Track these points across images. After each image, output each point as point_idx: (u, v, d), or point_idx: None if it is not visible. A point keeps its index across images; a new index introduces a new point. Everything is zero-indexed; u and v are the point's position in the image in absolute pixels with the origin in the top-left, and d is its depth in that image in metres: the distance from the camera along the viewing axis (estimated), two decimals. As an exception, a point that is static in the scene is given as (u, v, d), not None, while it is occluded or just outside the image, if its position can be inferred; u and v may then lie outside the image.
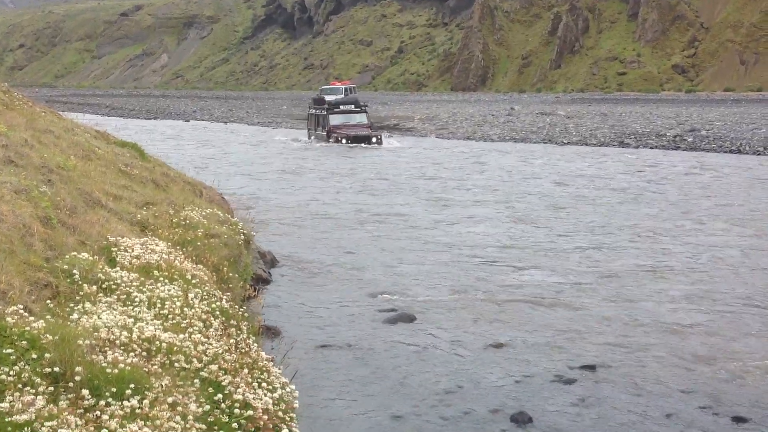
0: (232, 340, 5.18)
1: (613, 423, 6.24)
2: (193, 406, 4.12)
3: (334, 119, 37.35)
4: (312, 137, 39.24)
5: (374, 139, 35.90)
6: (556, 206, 17.46)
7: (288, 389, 4.70)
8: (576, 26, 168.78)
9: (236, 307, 6.07)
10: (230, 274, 7.20)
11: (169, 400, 4.12)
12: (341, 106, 38.09)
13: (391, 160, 28.53)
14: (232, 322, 5.59)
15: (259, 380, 4.65)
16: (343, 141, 35.47)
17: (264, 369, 4.87)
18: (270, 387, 4.59)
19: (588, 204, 17.75)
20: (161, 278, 5.79)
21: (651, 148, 34.14)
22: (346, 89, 62.54)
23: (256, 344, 5.37)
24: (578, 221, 15.54)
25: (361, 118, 37.68)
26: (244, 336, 5.37)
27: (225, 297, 6.11)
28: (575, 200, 18.36)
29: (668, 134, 39.86)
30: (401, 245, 13.00)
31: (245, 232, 9.59)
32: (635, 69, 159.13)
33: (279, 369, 4.99)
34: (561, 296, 9.83)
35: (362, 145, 34.91)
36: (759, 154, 31.19)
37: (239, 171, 24.37)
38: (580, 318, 8.92)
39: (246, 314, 6.16)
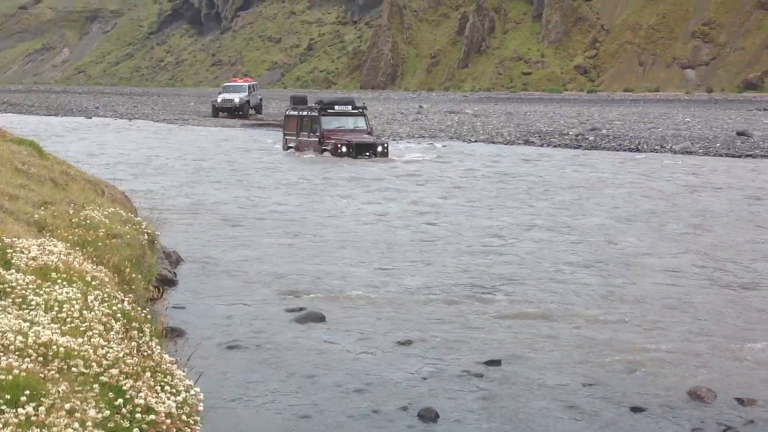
0: (134, 343, 5.05)
1: (518, 416, 6.36)
2: (92, 412, 3.99)
3: (328, 123, 28.71)
4: (291, 146, 30.08)
5: (380, 148, 27.80)
6: (466, 203, 17.70)
7: (192, 392, 4.61)
8: (483, 26, 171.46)
9: (139, 308, 5.93)
10: (133, 275, 7.01)
11: (67, 406, 3.99)
12: (336, 107, 29.57)
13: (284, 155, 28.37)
14: (134, 324, 5.45)
15: (162, 383, 4.55)
16: (344, 150, 27.20)
17: (167, 372, 4.76)
18: (174, 390, 4.49)
19: (493, 199, 18.07)
20: (59, 280, 5.61)
21: (554, 146, 34.98)
22: (249, 86, 61.69)
23: (159, 347, 5.25)
24: (488, 217, 15.79)
25: (359, 122, 29.41)
26: (147, 338, 5.25)
27: (127, 299, 5.95)
28: (483, 197, 18.65)
29: (571, 133, 40.91)
30: (311, 244, 12.95)
31: (149, 231, 9.37)
32: (539, 69, 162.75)
33: (183, 371, 4.89)
34: (470, 292, 9.96)
35: (366, 156, 27.10)
36: (656, 152, 32.35)
37: (144, 168, 23.83)
38: (487, 313, 9.07)
39: (149, 316, 6.03)
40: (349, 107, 29.75)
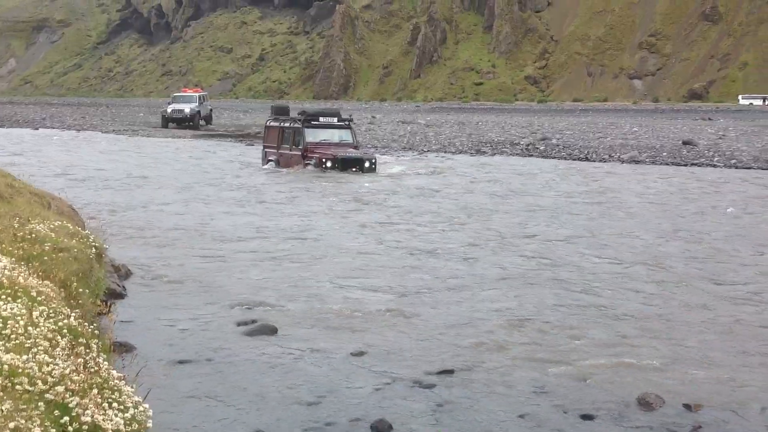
0: (80, 360, 4.96)
1: (469, 425, 6.39)
2: (37, 431, 3.91)
3: (312, 135, 26.67)
4: (271, 159, 27.77)
5: (367, 164, 26.02)
6: (417, 213, 17.76)
7: (141, 408, 4.54)
8: (434, 37, 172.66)
9: (86, 324, 5.82)
10: (80, 290, 6.89)
11: (11, 425, 3.90)
12: (321, 118, 27.39)
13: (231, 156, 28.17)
14: (80, 340, 5.35)
15: (109, 400, 4.48)
16: (328, 164, 25.48)
17: (115, 388, 4.69)
18: (121, 407, 4.42)
19: (446, 209, 18.16)
20: (3, 296, 5.48)
21: (507, 155, 35.33)
22: (199, 97, 61.16)
23: (107, 362, 5.16)
24: (445, 230, 15.86)
25: (345, 135, 27.53)
26: (94, 354, 5.16)
27: (74, 314, 5.84)
28: (439, 207, 18.73)
29: (522, 143, 41.36)
30: (263, 256, 12.86)
31: (97, 245, 9.23)
32: (491, 80, 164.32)
33: (131, 387, 4.82)
34: (423, 303, 9.98)
35: (352, 171, 25.35)
36: (604, 161, 32.87)
37: (93, 181, 23.46)
38: (440, 323, 9.09)
39: (96, 331, 5.92)
40: (335, 119, 27.64)
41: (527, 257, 13.00)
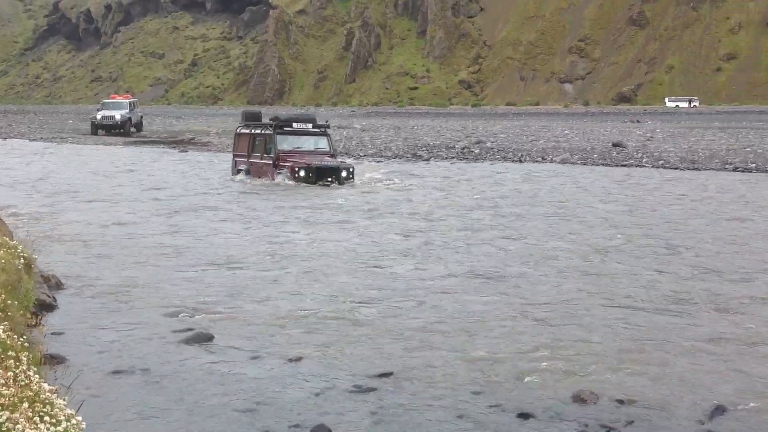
0: (10, 373, 4.85)
1: (409, 427, 6.41)
2: (-36, 448, 3.80)
3: (284, 143, 24.82)
4: (241, 169, 25.94)
5: (344, 173, 24.11)
6: (372, 218, 17.76)
7: (74, 421, 4.45)
8: (369, 42, 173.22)
9: (15, 336, 5.68)
10: (8, 302, 6.71)
11: (-64, 443, 3.78)
12: (294, 124, 25.44)
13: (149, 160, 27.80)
14: (9, 353, 5.23)
15: (41, 414, 4.38)
16: (302, 174, 23.67)
17: (47, 401, 4.59)
18: (54, 420, 4.34)
19: (389, 212, 18.22)
20: (-74, 310, 5.30)
21: (442, 159, 35.62)
22: (130, 103, 60.18)
23: (38, 375, 5.05)
24: (391, 235, 15.90)
25: (321, 143, 25.59)
26: (24, 367, 5.04)
27: (2, 327, 5.69)
28: (380, 209, 18.78)
29: (457, 146, 41.76)
30: (198, 262, 12.70)
31: (26, 255, 9.00)
32: (425, 84, 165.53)
33: (64, 400, 4.72)
34: (361, 307, 9.99)
35: (328, 182, 23.51)
36: (537, 163, 33.41)
37: (21, 189, 22.86)
38: (379, 327, 9.11)
39: (26, 344, 5.77)
40: (310, 125, 25.72)
41: (472, 263, 13.11)
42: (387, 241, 14.94)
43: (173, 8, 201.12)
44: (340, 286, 11.14)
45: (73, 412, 4.56)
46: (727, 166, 31.35)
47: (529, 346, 8.43)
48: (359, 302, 10.23)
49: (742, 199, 21.55)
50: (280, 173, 24.18)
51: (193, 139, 54.45)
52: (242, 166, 25.98)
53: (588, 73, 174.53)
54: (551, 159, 34.69)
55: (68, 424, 4.38)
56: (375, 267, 12.52)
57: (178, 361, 7.92)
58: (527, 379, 7.47)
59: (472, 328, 9.05)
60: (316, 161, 24.22)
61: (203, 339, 8.56)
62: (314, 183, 23.50)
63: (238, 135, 27.03)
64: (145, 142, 50.06)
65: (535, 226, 16.71)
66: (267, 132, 25.15)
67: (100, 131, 56.17)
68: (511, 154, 37.09)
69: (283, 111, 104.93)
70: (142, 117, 64.22)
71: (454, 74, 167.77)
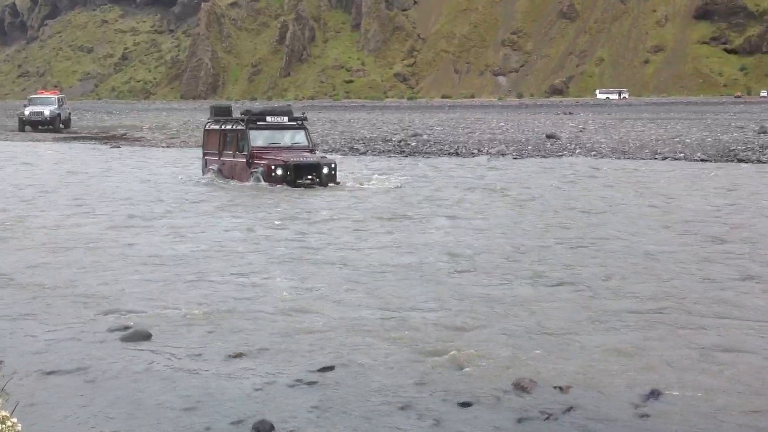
0: (-61, 377, 4.69)
1: (353, 420, 6.42)
2: None
3: (258, 138, 22.95)
4: (212, 168, 24.21)
5: (326, 170, 22.02)
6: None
7: (9, 423, 4.33)
8: (303, 35, 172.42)
9: (-56, 339, 5.50)
10: (-64, 304, 6.50)
11: None
12: (268, 118, 23.40)
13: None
14: (-61, 356, 5.06)
15: (-27, 417, 4.26)
16: (278, 173, 21.67)
17: (-21, 404, 4.47)
18: (-13, 423, 4.22)
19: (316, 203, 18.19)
20: None
21: (379, 152, 35.67)
22: (58, 99, 58.78)
23: (-31, 378, 4.91)
24: (336, 229, 15.85)
25: (298, 137, 23.69)
26: (-45, 370, 4.88)
27: (-70, 329, 5.50)
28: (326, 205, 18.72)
29: (394, 139, 41.91)
30: (135, 259, 12.48)
31: (-47, 255, 8.72)
32: (361, 77, 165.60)
33: (-3, 403, 4.59)
34: (300, 301, 9.96)
35: (308, 180, 21.67)
36: (474, 155, 33.72)
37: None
38: (319, 321, 9.09)
39: (-44, 346, 5.60)
40: (285, 119, 23.72)
41: (414, 256, 13.17)
42: (328, 233, 14.91)
43: (102, 1, 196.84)
44: (280, 282, 11.08)
45: (7, 413, 4.44)
46: (656, 156, 32.12)
47: (470, 337, 8.51)
48: (299, 298, 10.19)
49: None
50: (254, 172, 22.21)
51: (125, 134, 53.48)
52: (213, 166, 24.22)
53: (521, 66, 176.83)
54: (487, 151, 35.05)
55: (3, 426, 4.26)
56: (315, 263, 12.48)
57: (115, 359, 7.78)
58: (468, 369, 7.55)
59: (413, 321, 9.09)
60: (293, 158, 22.19)
61: (141, 337, 8.42)
62: (293, 182, 21.55)
63: (208, 131, 25.19)
64: (75, 138, 48.93)
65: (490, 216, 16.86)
66: (239, 127, 23.24)
67: (27, 127, 54.75)
68: (447, 146, 37.34)
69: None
70: (70, 113, 62.86)
71: (389, 67, 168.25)
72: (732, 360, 7.79)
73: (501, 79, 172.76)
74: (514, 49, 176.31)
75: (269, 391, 7.03)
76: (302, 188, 21.27)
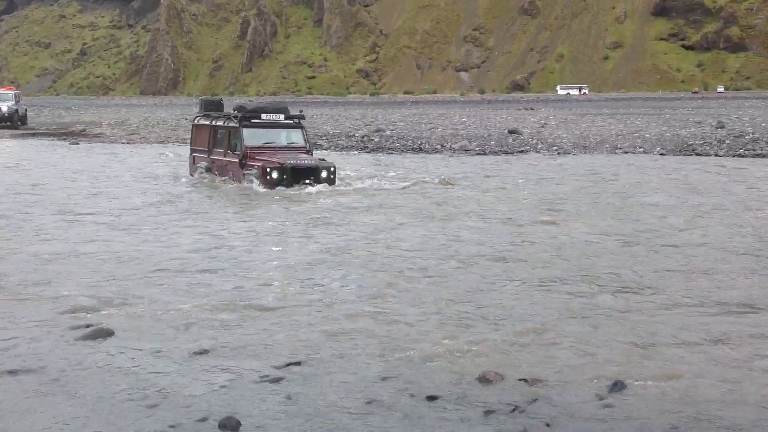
0: None
1: (320, 415, 6.40)
2: None
3: (252, 137, 21.31)
4: (201, 166, 22.80)
5: (324, 173, 20.60)
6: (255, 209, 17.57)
7: (-31, 424, 4.26)
8: (265, 31, 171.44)
9: None
10: None
11: None
12: (263, 115, 21.80)
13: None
14: None
15: (-68, 418, 4.18)
16: (274, 175, 20.01)
17: (-62, 405, 4.37)
18: (-54, 424, 4.13)
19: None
20: None
21: (342, 148, 35.61)
22: (15, 95, 57.85)
23: (-73, 378, 4.80)
24: (307, 225, 15.78)
25: (295, 137, 22.14)
26: None
27: None
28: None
29: (357, 135, 41.86)
30: (95, 256, 12.31)
31: None
32: (323, 73, 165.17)
33: (-43, 403, 4.50)
34: (264, 296, 9.90)
35: (306, 184, 20.10)
36: (437, 152, 33.80)
37: None
38: (284, 316, 9.05)
39: None
40: (282, 116, 22.06)
41: (382, 252, 13.17)
42: (291, 230, 14.85)
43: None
44: (244, 278, 11.00)
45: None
46: (617, 150, 32.49)
47: (437, 331, 8.53)
48: (264, 294, 10.13)
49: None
50: (247, 174, 20.66)
51: (84, 130, 52.76)
52: (202, 164, 22.75)
53: (483, 62, 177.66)
54: (450, 146, 35.16)
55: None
56: (280, 259, 12.43)
57: (77, 358, 7.67)
58: (435, 363, 7.57)
59: (380, 316, 9.09)
60: (290, 159, 20.52)
61: (103, 335, 8.31)
62: (289, 185, 20.00)
63: (197, 127, 23.61)
64: (33, 135, 48.16)
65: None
66: (231, 125, 21.61)
67: (-16, 125, 53.78)
68: (410, 141, 37.38)
69: (179, 102, 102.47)
70: (26, 109, 61.95)
71: (352, 63, 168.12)
72: (695, 350, 7.91)
73: (463, 74, 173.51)
74: (476, 46, 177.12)
75: (235, 387, 6.98)
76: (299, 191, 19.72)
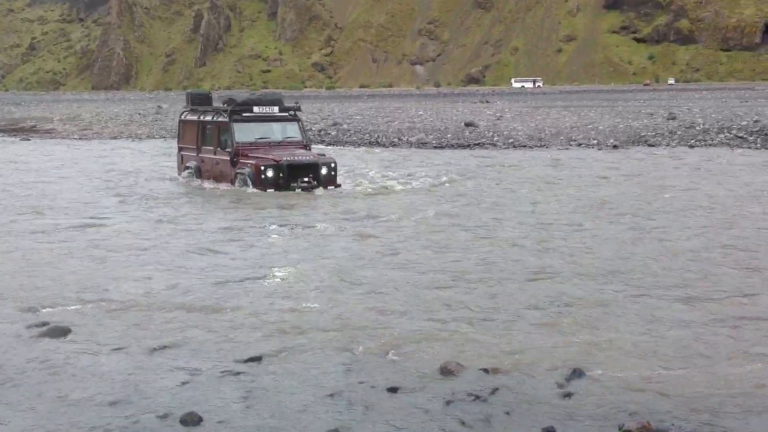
0: None
1: (282, 409, 6.40)
2: None
3: (244, 133, 19.63)
4: (189, 166, 21.03)
5: (324, 170, 18.90)
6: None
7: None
8: (218, 24, 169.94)
9: None
10: None
11: None
12: (255, 108, 20.06)
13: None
14: None
15: None
16: (270, 174, 18.41)
17: None
18: None
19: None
20: None
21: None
22: None
23: None
24: (264, 218, 15.70)
25: (290, 131, 20.51)
26: None
27: None
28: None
29: (314, 129, 41.71)
30: (50, 252, 12.12)
31: None
32: (278, 67, 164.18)
33: None
34: (227, 293, 9.85)
35: (304, 183, 18.58)
36: (395, 146, 33.86)
37: None
38: (246, 311, 9.01)
39: None
40: (276, 109, 20.28)
41: (349, 245, 13.16)
42: (249, 230, 14.78)
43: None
44: (203, 274, 10.93)
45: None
46: (571, 143, 32.85)
47: (396, 322, 8.57)
48: (225, 289, 10.08)
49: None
50: (240, 173, 18.97)
51: (34, 126, 51.81)
52: (191, 163, 21.00)
53: (438, 55, 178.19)
54: (407, 140, 35.23)
55: None
56: (241, 257, 12.37)
57: (35, 357, 7.55)
58: (395, 354, 7.60)
59: (340, 310, 9.10)
60: (286, 156, 18.83)
61: (60, 333, 8.20)
62: (287, 186, 18.42)
63: (184, 122, 21.81)
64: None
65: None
66: (221, 119, 19.94)
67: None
68: (367, 135, 37.39)
69: (132, 96, 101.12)
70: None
71: (307, 57, 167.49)
72: (653, 338, 8.05)
73: (419, 68, 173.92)
74: (431, 39, 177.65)
75: (196, 383, 6.94)
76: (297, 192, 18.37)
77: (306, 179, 18.63)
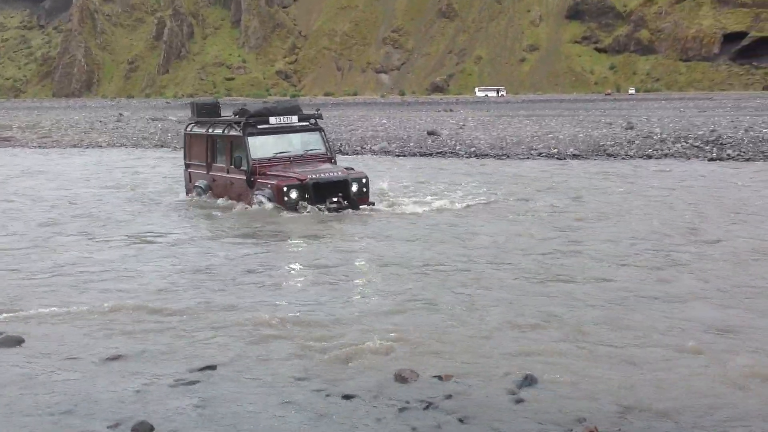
0: None
1: (236, 418, 6.40)
2: None
3: (260, 146, 17.16)
4: (199, 185, 18.46)
5: (355, 187, 16.49)
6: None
7: None
8: (181, 31, 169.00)
9: None
10: None
11: None
12: (272, 119, 17.44)
13: None
14: None
15: None
16: (293, 195, 16.00)
17: None
18: None
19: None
20: None
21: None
22: None
23: None
24: (223, 227, 15.61)
25: (313, 142, 18.05)
26: None
27: None
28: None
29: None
30: (5, 263, 11.98)
31: None
32: (242, 75, 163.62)
33: None
34: (182, 301, 9.81)
35: (333, 204, 16.21)
36: (357, 153, 33.92)
37: None
38: (202, 320, 8.98)
39: None
40: (294, 118, 17.74)
41: (301, 249, 13.16)
42: (206, 228, 14.72)
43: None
44: (161, 282, 10.88)
45: None
46: (532, 152, 33.15)
47: (352, 331, 8.60)
48: (180, 297, 10.04)
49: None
50: (258, 194, 16.51)
51: (-4, 134, 51.00)
52: (200, 182, 18.53)
53: (402, 64, 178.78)
54: (370, 148, 35.32)
55: None
56: (199, 263, 12.32)
57: (-16, 367, 7.47)
58: (351, 362, 7.64)
59: (297, 318, 9.11)
60: (310, 172, 16.48)
61: (11, 342, 8.11)
62: (314, 207, 16.04)
63: (191, 136, 19.10)
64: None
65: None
66: (233, 133, 17.47)
67: None
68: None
69: (93, 104, 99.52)
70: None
71: (271, 65, 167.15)
72: (605, 344, 8.17)
73: (383, 76, 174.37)
74: (396, 47, 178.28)
75: (149, 392, 6.92)
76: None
77: (335, 199, 16.33)
